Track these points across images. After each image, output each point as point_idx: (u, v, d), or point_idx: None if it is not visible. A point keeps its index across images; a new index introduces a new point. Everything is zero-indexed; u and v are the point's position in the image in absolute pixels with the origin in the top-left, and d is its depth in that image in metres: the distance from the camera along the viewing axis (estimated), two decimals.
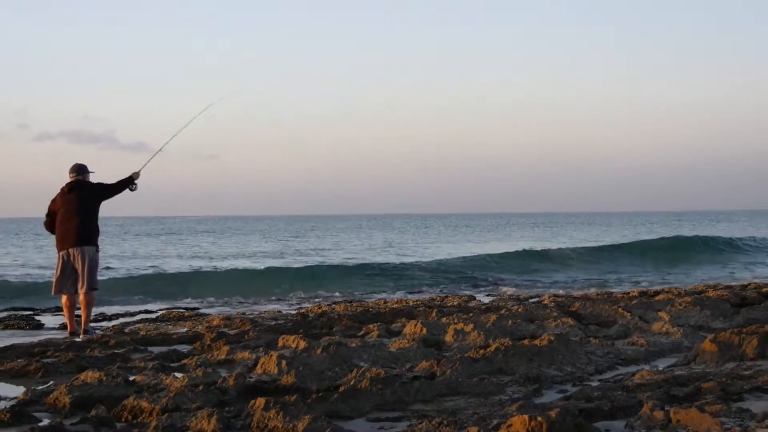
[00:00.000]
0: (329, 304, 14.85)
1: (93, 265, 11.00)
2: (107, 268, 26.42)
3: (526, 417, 4.14)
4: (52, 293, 11.41)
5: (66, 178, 11.28)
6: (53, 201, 11.22)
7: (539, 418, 4.09)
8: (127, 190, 11.49)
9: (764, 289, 14.22)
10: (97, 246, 11.16)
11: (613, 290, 17.96)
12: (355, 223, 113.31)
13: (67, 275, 10.97)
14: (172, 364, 8.02)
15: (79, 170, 11.29)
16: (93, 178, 11.43)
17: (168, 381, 6.73)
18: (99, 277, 11.52)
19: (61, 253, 11.04)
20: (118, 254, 38.16)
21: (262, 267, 27.81)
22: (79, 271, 10.91)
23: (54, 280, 11.17)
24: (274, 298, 18.33)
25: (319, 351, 7.43)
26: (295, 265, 29.04)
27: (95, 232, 11.17)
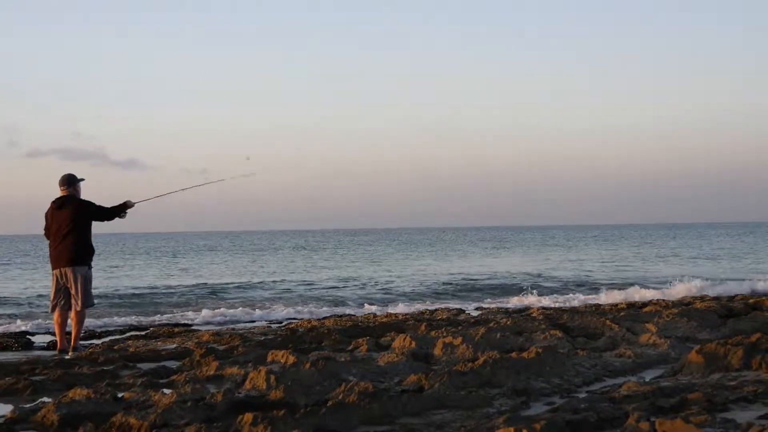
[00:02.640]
0: (319, 319, 14.87)
1: (85, 284, 10.96)
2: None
3: (511, 429, 4.17)
4: (50, 311, 11.41)
5: (57, 191, 11.20)
6: (46, 214, 11.16)
7: (524, 431, 4.12)
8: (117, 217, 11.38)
9: (751, 300, 14.31)
10: (89, 265, 11.11)
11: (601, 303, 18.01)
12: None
13: (61, 294, 10.96)
14: (160, 381, 8.02)
15: (69, 182, 11.12)
16: (83, 186, 11.32)
17: (156, 397, 6.72)
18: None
19: (54, 272, 11.04)
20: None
21: None
22: (72, 291, 10.90)
23: (50, 297, 11.17)
24: None
25: (307, 365, 7.45)
26: None
27: (88, 251, 11.09)
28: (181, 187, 12.36)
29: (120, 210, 11.26)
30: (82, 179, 11.26)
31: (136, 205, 11.48)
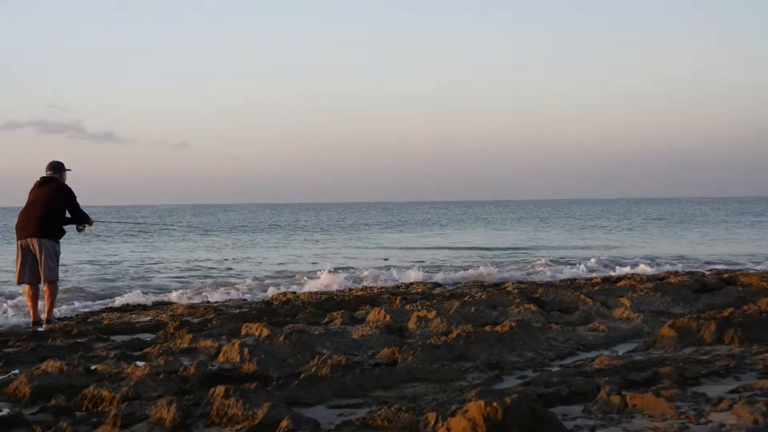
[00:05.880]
0: (294, 292, 14.85)
1: (52, 256, 10.93)
2: None
3: (482, 402, 4.17)
4: (16, 283, 11.38)
5: (41, 172, 11.30)
6: (29, 192, 11.20)
7: (494, 404, 4.12)
8: (76, 226, 11.56)
9: (725, 275, 14.40)
10: (56, 241, 11.08)
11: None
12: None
13: (28, 264, 10.91)
14: (134, 353, 7.99)
15: (56, 168, 11.32)
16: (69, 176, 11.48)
17: (129, 370, 6.72)
18: None
19: (19, 242, 10.99)
20: None
21: None
22: (39, 262, 10.86)
23: (16, 270, 11.11)
24: None
25: (281, 339, 7.45)
26: None
27: (58, 229, 11.09)
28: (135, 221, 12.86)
29: (84, 219, 11.37)
30: (69, 169, 11.44)
31: (93, 225, 11.70)
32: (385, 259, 26.07)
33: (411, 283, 16.35)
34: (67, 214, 11.25)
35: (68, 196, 11.19)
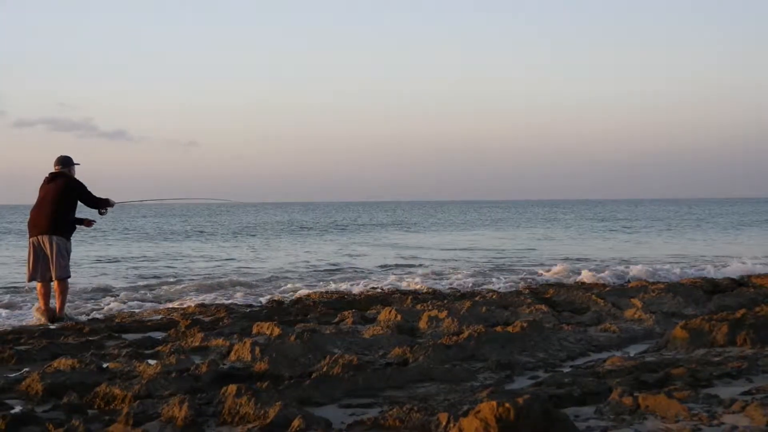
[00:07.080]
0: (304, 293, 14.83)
1: (63, 254, 10.95)
2: None
3: (494, 403, 4.16)
4: (26, 281, 11.40)
5: (50, 168, 11.34)
6: (40, 188, 11.25)
7: (507, 404, 4.12)
8: (97, 211, 11.61)
9: (737, 276, 14.36)
10: (67, 238, 11.11)
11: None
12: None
13: (39, 262, 10.94)
14: (145, 351, 8.01)
15: (64, 162, 11.33)
16: (78, 170, 11.52)
17: (141, 368, 6.73)
18: None
19: (31, 240, 11.02)
20: None
21: None
22: (50, 260, 10.89)
23: (27, 267, 11.13)
24: None
25: (292, 338, 7.45)
26: None
27: (68, 225, 11.12)
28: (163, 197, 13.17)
29: (103, 203, 11.42)
30: (78, 164, 11.48)
31: (115, 205, 11.73)
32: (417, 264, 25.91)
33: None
34: (81, 209, 11.28)
35: (79, 189, 11.21)
